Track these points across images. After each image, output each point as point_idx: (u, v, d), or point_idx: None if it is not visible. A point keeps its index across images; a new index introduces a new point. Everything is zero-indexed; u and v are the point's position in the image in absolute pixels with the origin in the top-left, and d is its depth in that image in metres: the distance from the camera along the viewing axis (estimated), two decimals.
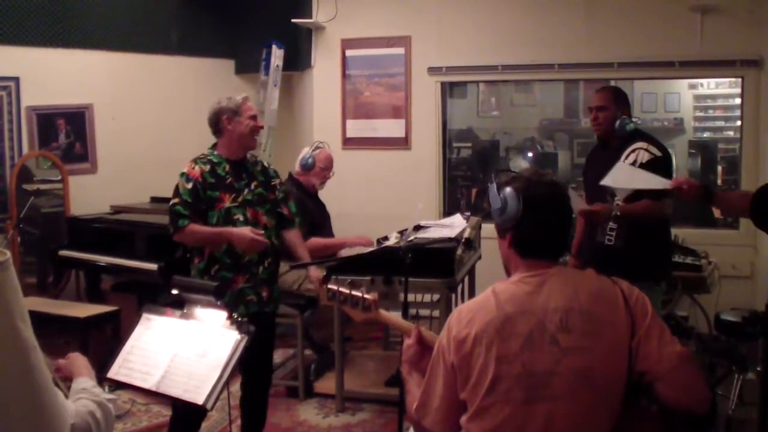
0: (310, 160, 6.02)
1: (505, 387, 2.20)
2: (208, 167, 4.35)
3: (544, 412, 2.18)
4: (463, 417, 2.29)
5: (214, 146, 4.48)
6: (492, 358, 2.22)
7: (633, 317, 2.27)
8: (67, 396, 2.17)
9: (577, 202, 4.58)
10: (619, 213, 4.38)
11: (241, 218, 4.35)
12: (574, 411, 2.18)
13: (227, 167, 4.39)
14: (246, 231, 4.23)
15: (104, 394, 2.00)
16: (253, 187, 4.44)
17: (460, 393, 2.29)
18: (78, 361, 2.27)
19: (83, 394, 1.96)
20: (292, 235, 4.72)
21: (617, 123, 4.62)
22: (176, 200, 4.30)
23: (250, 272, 4.36)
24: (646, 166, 4.38)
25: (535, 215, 2.37)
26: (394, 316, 3.05)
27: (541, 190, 2.38)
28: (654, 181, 4.41)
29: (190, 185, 4.29)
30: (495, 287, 2.38)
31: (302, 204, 5.90)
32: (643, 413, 2.27)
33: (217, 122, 4.41)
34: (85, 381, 2.08)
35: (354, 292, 2.91)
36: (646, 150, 4.46)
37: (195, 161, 4.39)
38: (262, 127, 4.56)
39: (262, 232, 4.32)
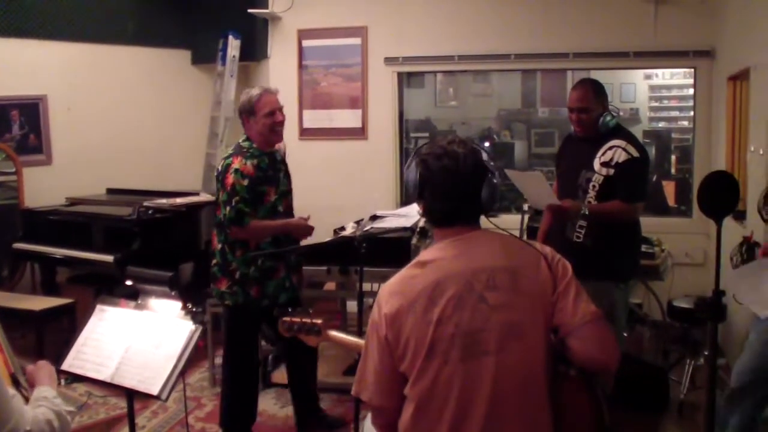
0: None
1: (442, 348, 2.27)
2: (255, 161, 4.41)
3: (481, 367, 2.25)
4: (407, 387, 2.34)
5: (247, 138, 4.53)
6: (426, 324, 2.29)
7: (554, 274, 2.38)
8: (27, 396, 2.16)
9: (546, 194, 4.55)
10: (587, 212, 4.33)
11: (281, 209, 4.54)
12: (509, 364, 2.26)
13: (266, 160, 4.48)
14: (301, 221, 4.56)
15: (63, 406, 1.99)
16: (281, 177, 4.61)
17: (399, 366, 2.34)
18: (44, 370, 2.27)
19: (43, 403, 1.96)
20: None
21: (599, 121, 4.44)
22: (237, 198, 4.32)
23: (287, 261, 4.54)
24: (623, 166, 4.31)
25: (429, 186, 2.44)
26: (343, 335, 3.15)
27: (435, 164, 2.42)
28: (546, 198, 4.48)
29: (246, 182, 4.33)
30: (421, 257, 2.45)
31: None
32: (563, 380, 2.35)
33: (240, 118, 4.55)
34: (46, 390, 2.07)
35: (304, 320, 3.08)
36: (624, 149, 4.34)
37: (243, 156, 4.40)
38: (280, 122, 4.50)
39: (308, 216, 4.60)
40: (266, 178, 4.44)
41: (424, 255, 2.45)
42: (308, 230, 4.57)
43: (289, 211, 4.64)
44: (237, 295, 4.45)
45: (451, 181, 2.41)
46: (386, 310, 2.35)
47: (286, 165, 4.74)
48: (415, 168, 2.46)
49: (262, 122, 4.42)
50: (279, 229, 4.48)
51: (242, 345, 4.65)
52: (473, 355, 2.26)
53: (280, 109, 4.50)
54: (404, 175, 2.55)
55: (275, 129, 4.48)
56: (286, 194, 4.63)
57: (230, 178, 4.33)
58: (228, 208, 4.32)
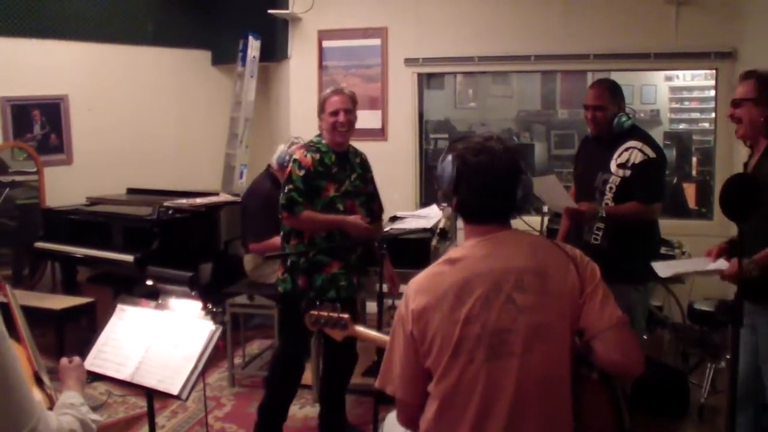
0: (287, 158, 6.01)
1: (468, 348, 2.27)
2: (317, 156, 4.49)
3: (505, 368, 2.26)
4: (431, 384, 2.35)
5: (320, 134, 4.61)
6: (453, 323, 2.29)
7: (581, 277, 2.36)
8: (50, 394, 2.16)
9: (563, 197, 4.53)
10: (605, 214, 4.30)
11: (341, 208, 4.51)
12: (534, 365, 2.26)
13: (333, 157, 4.53)
14: (358, 219, 4.47)
15: (90, 414, 1.99)
16: (353, 178, 4.60)
17: (424, 362, 2.34)
18: (75, 372, 2.27)
19: (69, 410, 1.95)
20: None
21: (614, 122, 4.43)
22: (291, 186, 4.45)
23: (344, 259, 4.52)
24: (639, 167, 4.29)
25: (469, 181, 2.41)
26: (369, 331, 3.17)
27: (474, 156, 2.41)
28: (563, 201, 4.46)
29: (302, 173, 4.44)
30: (450, 255, 2.44)
31: (268, 202, 5.88)
32: (585, 382, 2.36)
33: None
34: (74, 396, 2.07)
35: (331, 314, 3.09)
36: (640, 150, 4.31)
37: (306, 149, 4.52)
38: (341, 122, 4.48)
39: (368, 219, 4.58)
40: (327, 174, 4.49)
41: (454, 252, 2.44)
42: (363, 229, 4.51)
43: (353, 213, 4.57)
44: (287, 282, 4.51)
45: (488, 177, 2.41)
46: (413, 306, 2.35)
47: (365, 169, 4.75)
48: (451, 162, 2.44)
49: (326, 120, 4.49)
50: (332, 223, 4.49)
51: (289, 335, 4.67)
52: (499, 355, 2.26)
53: (346, 110, 4.49)
54: (438, 170, 2.52)
55: (337, 128, 4.48)
56: (352, 195, 4.59)
57: (289, 167, 4.49)
58: (282, 195, 4.44)
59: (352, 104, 4.55)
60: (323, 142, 4.55)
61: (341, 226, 4.48)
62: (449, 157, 2.46)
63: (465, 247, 2.45)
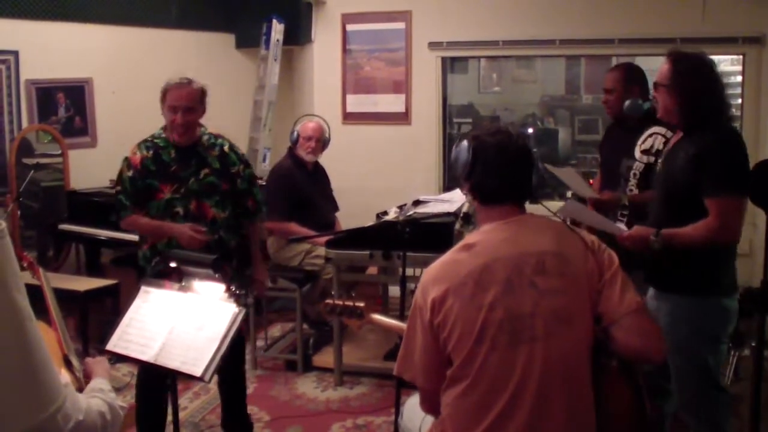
0: (294, 134, 6.03)
1: (491, 334, 2.26)
2: (151, 153, 4.04)
3: (529, 352, 2.25)
4: (450, 370, 2.34)
5: (164, 127, 4.13)
6: (475, 309, 2.28)
7: (599, 262, 2.37)
8: (79, 377, 2.18)
9: (583, 187, 4.52)
10: (627, 203, 4.28)
11: (182, 211, 4.05)
12: (557, 349, 2.26)
13: (173, 153, 4.07)
14: (185, 228, 3.97)
15: (117, 401, 2.01)
16: (201, 175, 4.10)
17: (446, 348, 2.34)
18: (102, 364, 2.29)
19: (98, 394, 1.97)
20: (250, 228, 4.38)
21: (625, 105, 4.44)
22: (119, 188, 4.07)
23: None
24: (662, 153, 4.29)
25: (486, 160, 2.42)
26: (385, 318, 3.25)
27: (489, 139, 2.44)
28: (584, 191, 4.51)
29: (130, 173, 4.03)
30: (466, 241, 2.45)
31: (287, 180, 5.89)
32: (605, 370, 2.35)
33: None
34: (102, 382, 2.09)
35: (347, 303, 3.15)
36: (664, 136, 4.24)
37: (139, 145, 4.08)
38: (180, 123, 3.97)
39: (203, 229, 4.03)
40: (162, 173, 4.03)
41: (470, 238, 2.45)
42: (192, 241, 3.94)
43: (200, 215, 4.08)
44: None
45: (505, 156, 2.43)
46: (433, 295, 2.34)
47: (225, 163, 4.19)
48: (466, 145, 2.46)
49: (166, 113, 4.01)
50: (156, 229, 4.04)
51: None
52: (522, 340, 2.25)
53: (187, 108, 3.98)
54: (453, 155, 2.55)
55: (174, 127, 4.00)
56: (199, 195, 4.08)
57: (121, 166, 4.08)
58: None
59: (195, 102, 4.05)
60: (163, 136, 4.07)
61: (167, 234, 4.01)
62: (464, 143, 2.48)
63: (481, 231, 2.45)
